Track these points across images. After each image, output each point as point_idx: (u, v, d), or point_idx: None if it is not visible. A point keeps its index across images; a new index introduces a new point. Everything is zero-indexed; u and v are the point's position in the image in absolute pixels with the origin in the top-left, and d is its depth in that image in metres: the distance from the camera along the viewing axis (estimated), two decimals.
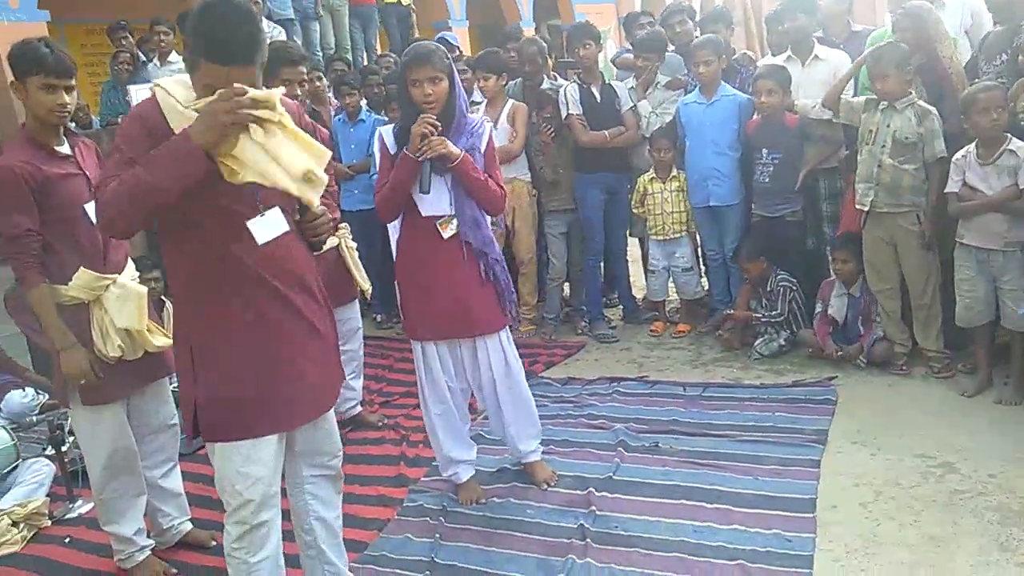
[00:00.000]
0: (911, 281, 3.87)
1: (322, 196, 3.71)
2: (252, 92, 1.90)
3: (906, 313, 4.01)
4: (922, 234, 3.77)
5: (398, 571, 2.79)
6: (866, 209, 3.85)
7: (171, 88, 2.05)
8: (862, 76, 4.31)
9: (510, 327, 3.13)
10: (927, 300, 3.85)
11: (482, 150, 2.93)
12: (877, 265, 3.96)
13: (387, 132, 2.97)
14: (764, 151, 4.39)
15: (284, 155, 1.97)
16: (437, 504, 3.19)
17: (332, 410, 2.38)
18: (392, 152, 2.90)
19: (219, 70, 1.91)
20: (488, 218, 3.00)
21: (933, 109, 3.73)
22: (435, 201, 2.88)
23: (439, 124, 2.79)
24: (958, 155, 3.59)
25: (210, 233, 2.05)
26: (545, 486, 3.19)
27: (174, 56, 6.31)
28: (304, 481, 2.39)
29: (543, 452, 3.43)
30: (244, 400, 2.11)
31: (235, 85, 1.90)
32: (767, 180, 4.40)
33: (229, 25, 1.88)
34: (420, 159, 2.78)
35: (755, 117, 4.45)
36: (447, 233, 2.90)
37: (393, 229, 3.03)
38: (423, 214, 2.90)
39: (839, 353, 4.11)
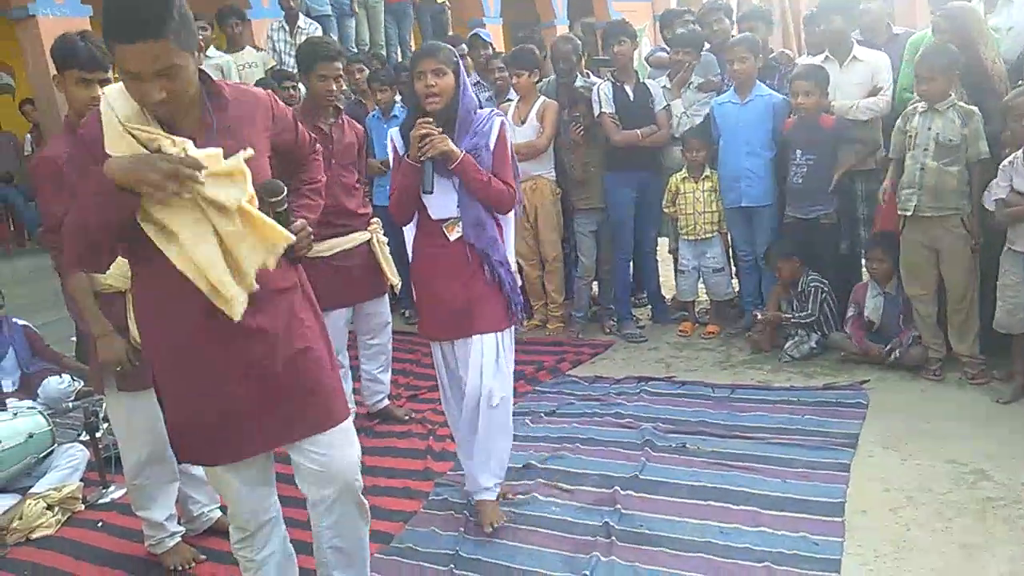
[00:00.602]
0: (951, 286, 3.81)
1: (353, 191, 3.73)
2: (206, 162, 1.69)
3: (940, 318, 3.95)
4: (967, 237, 3.71)
5: (423, 564, 2.81)
6: (909, 213, 3.79)
7: (114, 99, 1.80)
8: (901, 78, 4.26)
9: (515, 328, 3.04)
10: (966, 304, 3.79)
11: (490, 147, 2.85)
12: (914, 270, 3.90)
13: (395, 134, 2.93)
14: (798, 152, 4.34)
15: (238, 250, 1.76)
16: (463, 498, 3.20)
17: (341, 427, 2.12)
18: (402, 153, 2.86)
19: (125, 50, 1.66)
20: (493, 220, 2.91)
21: (976, 110, 3.66)
22: (442, 203, 2.85)
23: (432, 122, 2.73)
24: (1005, 161, 3.53)
25: (156, 263, 1.83)
26: (489, 528, 2.92)
27: (212, 51, 6.39)
28: (314, 506, 2.17)
29: (567, 451, 3.44)
30: (195, 427, 2.01)
31: (188, 152, 1.70)
32: (801, 181, 4.35)
33: None
34: (421, 160, 2.74)
35: (791, 117, 4.41)
36: (453, 235, 2.87)
37: (408, 230, 3.01)
38: (432, 217, 2.88)
39: (881, 352, 4.05)
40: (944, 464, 3.12)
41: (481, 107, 2.92)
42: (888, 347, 4.05)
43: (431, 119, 2.74)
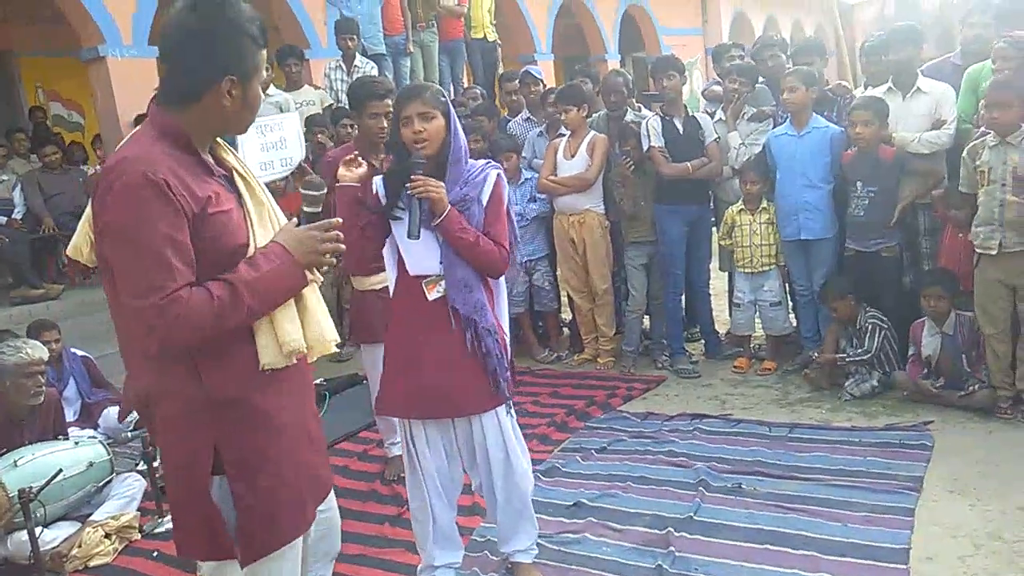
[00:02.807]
0: None
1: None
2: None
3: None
4: None
5: None
6: (994, 252, 3.67)
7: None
8: (959, 109, 4.16)
9: (509, 403, 2.68)
10: None
11: (483, 201, 2.56)
12: (990, 309, 3.78)
13: (378, 182, 2.64)
14: (859, 184, 4.26)
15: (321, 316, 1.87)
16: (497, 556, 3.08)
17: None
18: (384, 204, 2.58)
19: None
20: (482, 282, 2.59)
21: None
22: (422, 258, 2.54)
23: (422, 171, 2.46)
24: None
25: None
26: None
27: (272, 90, 6.57)
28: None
29: (618, 489, 3.38)
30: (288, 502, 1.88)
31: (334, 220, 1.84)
32: (862, 214, 4.26)
33: None
34: (408, 197, 2.47)
35: (850, 149, 4.33)
36: (433, 295, 2.53)
37: (389, 276, 2.68)
38: (410, 272, 2.56)
39: (936, 388, 3.94)
40: (1015, 511, 2.98)
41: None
42: (961, 393, 3.90)
43: (420, 166, 2.47)
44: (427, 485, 2.66)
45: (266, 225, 1.84)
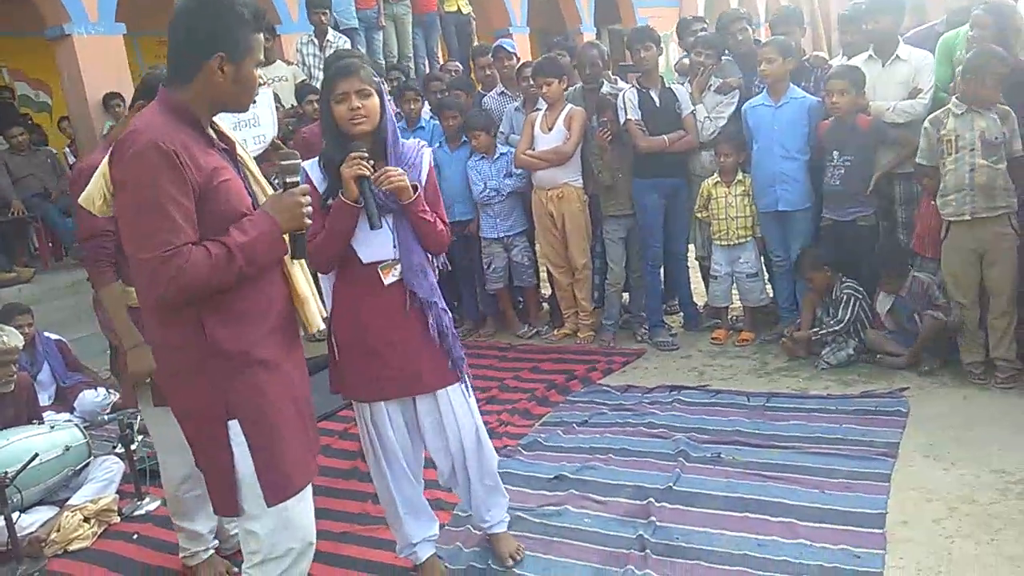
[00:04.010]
0: (998, 289, 3.73)
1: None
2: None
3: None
4: (1014, 236, 3.66)
5: None
6: (967, 218, 3.70)
7: None
8: (937, 75, 4.17)
9: (467, 381, 2.68)
10: (1011, 308, 3.73)
11: (423, 182, 2.54)
12: (960, 278, 3.82)
13: (311, 167, 2.51)
14: (835, 153, 4.26)
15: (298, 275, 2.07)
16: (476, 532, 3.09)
17: None
18: (320, 190, 2.47)
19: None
20: (431, 264, 2.62)
21: (1010, 109, 3.63)
22: (377, 244, 2.49)
23: (366, 153, 2.40)
24: None
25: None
26: (510, 561, 2.80)
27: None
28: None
29: (599, 462, 3.40)
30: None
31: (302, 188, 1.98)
32: (838, 183, 4.27)
33: None
34: (375, 190, 2.41)
35: (827, 119, 4.34)
36: (389, 279, 2.51)
37: (326, 280, 2.60)
38: (363, 260, 2.50)
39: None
40: (989, 473, 3.03)
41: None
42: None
43: (364, 150, 2.41)
44: (391, 466, 2.66)
45: (259, 196, 2.05)
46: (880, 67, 4.26)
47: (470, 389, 2.70)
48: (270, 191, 2.10)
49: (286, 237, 1.98)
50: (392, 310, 2.52)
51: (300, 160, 2.11)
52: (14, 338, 3.63)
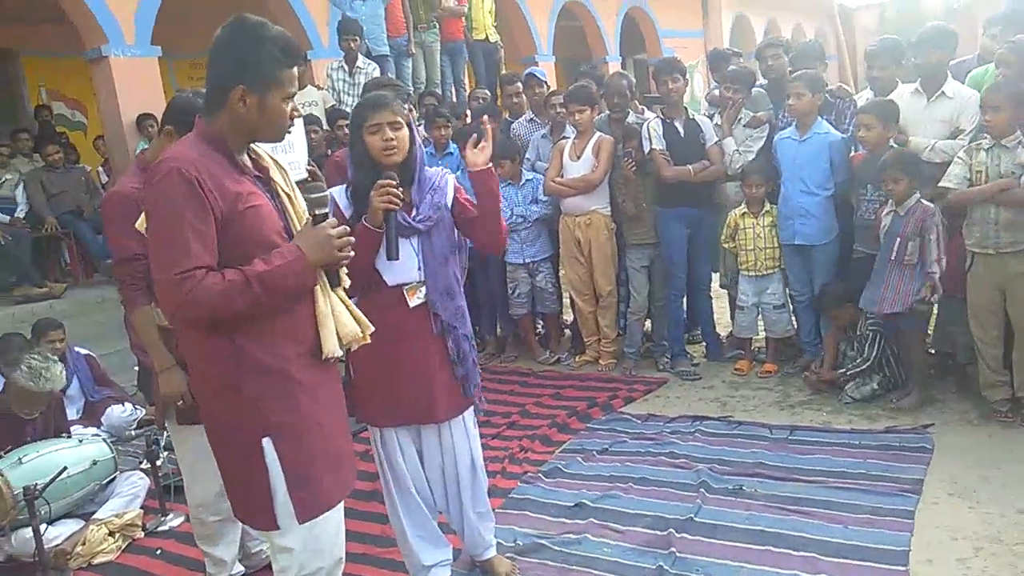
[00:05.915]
0: (1021, 326, 3.70)
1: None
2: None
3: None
4: None
5: None
6: (991, 252, 3.68)
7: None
8: None
9: (476, 408, 2.77)
10: None
11: (449, 205, 2.63)
12: (982, 312, 3.79)
13: (339, 193, 2.60)
14: (868, 187, 4.23)
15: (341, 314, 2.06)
16: (510, 539, 3.16)
17: None
18: (348, 215, 2.53)
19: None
20: (461, 289, 2.66)
21: None
22: (403, 268, 2.54)
23: (395, 180, 2.46)
24: None
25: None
26: None
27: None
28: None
29: (619, 490, 3.41)
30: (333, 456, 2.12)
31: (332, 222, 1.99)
32: (871, 217, 4.24)
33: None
34: (399, 220, 2.47)
35: (860, 151, 4.33)
36: (414, 301, 2.56)
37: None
38: (389, 283, 2.55)
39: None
40: (1015, 513, 3.00)
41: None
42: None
43: (393, 176, 2.47)
44: (400, 490, 2.72)
45: (294, 220, 2.06)
46: (925, 102, 4.19)
47: (477, 415, 2.78)
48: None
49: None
50: (414, 334, 2.57)
51: (327, 191, 2.15)
52: (56, 382, 3.66)
